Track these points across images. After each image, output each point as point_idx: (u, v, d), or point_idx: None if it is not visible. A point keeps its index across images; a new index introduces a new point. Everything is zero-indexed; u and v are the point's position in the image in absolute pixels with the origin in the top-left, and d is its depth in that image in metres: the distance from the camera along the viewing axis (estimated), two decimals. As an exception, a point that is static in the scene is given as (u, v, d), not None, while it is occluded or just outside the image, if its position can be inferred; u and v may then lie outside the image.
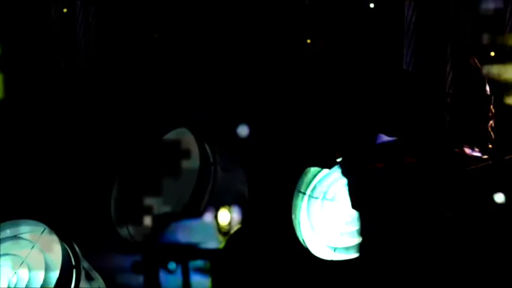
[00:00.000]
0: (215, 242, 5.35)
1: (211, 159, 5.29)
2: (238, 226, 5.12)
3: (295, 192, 5.43)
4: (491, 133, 4.50)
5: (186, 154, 5.45)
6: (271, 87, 8.29)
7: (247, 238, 4.45)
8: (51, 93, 8.72)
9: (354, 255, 5.10)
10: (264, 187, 5.41)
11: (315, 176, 5.47)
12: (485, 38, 6.42)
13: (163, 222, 5.37)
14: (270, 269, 4.52)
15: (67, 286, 4.18)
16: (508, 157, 4.30)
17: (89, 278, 4.31)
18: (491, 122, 4.55)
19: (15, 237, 4.30)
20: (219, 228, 5.39)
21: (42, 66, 8.87)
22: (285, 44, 8.31)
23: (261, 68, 8.36)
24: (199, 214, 5.40)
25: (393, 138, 4.45)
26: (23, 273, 4.16)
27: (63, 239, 4.26)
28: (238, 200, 5.24)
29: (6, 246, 4.31)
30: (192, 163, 5.30)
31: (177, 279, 5.15)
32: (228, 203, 5.39)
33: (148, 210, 5.65)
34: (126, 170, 5.74)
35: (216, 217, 5.39)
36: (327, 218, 5.35)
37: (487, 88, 4.54)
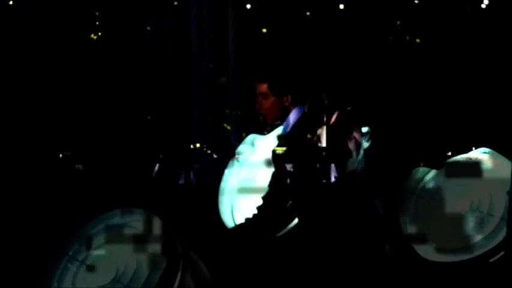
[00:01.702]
0: None
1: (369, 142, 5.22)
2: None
3: (404, 192, 5.40)
4: None
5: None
6: (384, 89, 8.35)
7: (353, 236, 4.43)
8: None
9: (460, 257, 5.06)
10: (374, 186, 5.35)
11: (423, 176, 5.43)
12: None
13: None
14: (375, 267, 4.51)
15: (173, 276, 4.15)
16: None
17: (194, 268, 4.29)
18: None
19: (124, 225, 4.29)
20: None
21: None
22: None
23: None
24: None
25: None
26: (131, 262, 4.15)
27: (170, 229, 4.25)
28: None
29: (114, 233, 4.30)
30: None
31: None
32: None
33: None
34: None
35: None
36: (435, 218, 5.30)
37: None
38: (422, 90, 8.60)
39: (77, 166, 8.71)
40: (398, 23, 9.10)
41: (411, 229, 5.31)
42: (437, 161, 5.48)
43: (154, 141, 9.20)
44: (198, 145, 9.91)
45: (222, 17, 8.68)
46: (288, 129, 4.56)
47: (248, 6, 9.28)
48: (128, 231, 4.32)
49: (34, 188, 7.69)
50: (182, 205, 6.54)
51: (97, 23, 9.28)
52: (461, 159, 5.45)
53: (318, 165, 4.43)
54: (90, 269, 4.19)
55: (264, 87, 4.58)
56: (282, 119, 4.63)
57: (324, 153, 4.41)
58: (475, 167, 5.31)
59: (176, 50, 9.15)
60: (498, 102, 8.42)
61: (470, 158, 5.42)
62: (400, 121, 8.23)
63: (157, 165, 9.12)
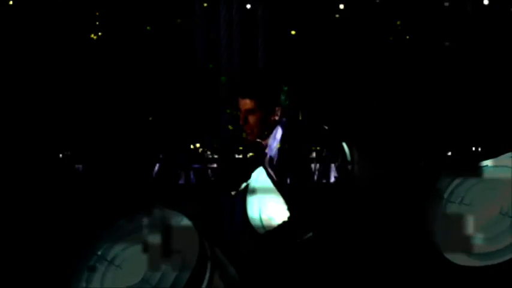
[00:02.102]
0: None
1: (349, 158, 5.20)
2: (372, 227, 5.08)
3: (433, 196, 5.38)
4: None
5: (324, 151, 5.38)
6: (385, 89, 8.35)
7: (382, 239, 4.43)
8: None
9: (489, 261, 5.04)
10: (401, 190, 5.35)
11: (452, 179, 5.41)
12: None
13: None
14: (404, 271, 4.51)
15: (202, 276, 4.15)
16: None
17: (222, 268, 4.29)
18: None
19: (154, 225, 4.29)
20: None
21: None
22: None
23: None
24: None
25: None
26: (159, 262, 4.15)
27: (198, 229, 4.24)
28: (372, 200, 5.17)
29: (145, 234, 4.30)
30: (330, 161, 5.22)
31: None
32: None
33: None
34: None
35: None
36: (464, 222, 5.28)
37: None
38: (422, 90, 8.60)
39: (76, 166, 8.71)
40: (398, 23, 9.09)
41: (440, 233, 5.30)
42: (467, 165, 5.45)
43: (155, 141, 9.20)
44: (198, 145, 9.92)
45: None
46: (275, 145, 4.53)
47: (248, 6, 9.28)
48: (157, 231, 4.32)
49: (61, 187, 7.71)
50: (206, 204, 6.54)
51: (97, 23, 9.28)
52: (491, 163, 5.44)
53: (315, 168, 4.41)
54: (119, 269, 4.20)
55: (250, 103, 4.53)
56: (269, 133, 4.60)
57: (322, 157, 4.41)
58: (504, 171, 5.31)
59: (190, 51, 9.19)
60: (498, 103, 8.42)
61: (500, 162, 5.40)
62: (400, 121, 8.22)
63: (157, 165, 9.12)
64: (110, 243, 4.28)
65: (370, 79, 8.80)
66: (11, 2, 8.76)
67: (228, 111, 9.45)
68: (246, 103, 4.56)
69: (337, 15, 8.70)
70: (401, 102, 8.53)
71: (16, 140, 8.33)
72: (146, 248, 4.23)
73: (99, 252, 4.24)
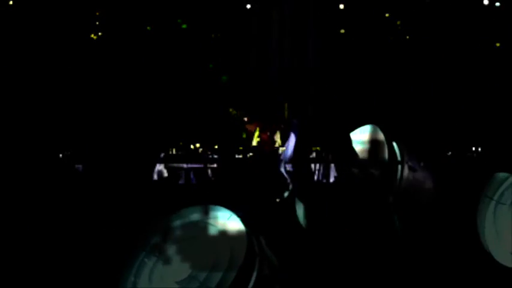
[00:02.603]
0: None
1: (399, 158, 5.17)
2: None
3: (482, 198, 5.34)
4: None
5: (375, 151, 5.35)
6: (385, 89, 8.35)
7: (428, 239, 4.43)
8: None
9: None
10: (450, 190, 5.31)
11: (503, 181, 5.38)
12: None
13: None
14: (451, 271, 4.50)
15: (249, 274, 4.15)
16: None
17: (270, 265, 4.29)
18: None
19: (204, 221, 4.30)
20: None
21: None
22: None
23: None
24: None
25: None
26: (210, 257, 4.15)
27: (247, 226, 4.25)
28: (423, 201, 5.15)
29: (195, 229, 4.31)
30: (379, 161, 5.18)
31: None
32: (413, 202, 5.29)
33: None
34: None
35: None
36: None
37: None
38: (422, 90, 8.59)
39: (76, 166, 8.71)
40: (398, 23, 9.10)
41: (489, 234, 5.26)
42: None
43: (154, 141, 9.20)
44: (198, 145, 9.92)
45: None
46: (290, 149, 4.57)
47: (248, 6, 9.28)
48: (206, 228, 4.33)
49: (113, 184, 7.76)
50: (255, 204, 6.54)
51: (97, 23, 9.29)
52: None
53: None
54: (167, 264, 4.21)
55: (257, 126, 4.63)
56: (284, 140, 4.66)
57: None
58: None
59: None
60: (498, 102, 8.41)
61: None
62: (400, 121, 8.22)
63: (157, 165, 9.12)
64: (158, 240, 4.31)
65: (370, 79, 8.81)
66: (11, 2, 8.76)
67: (230, 110, 9.46)
68: (253, 126, 4.69)
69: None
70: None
71: (16, 140, 8.34)
72: (194, 244, 4.25)
73: (148, 248, 4.27)
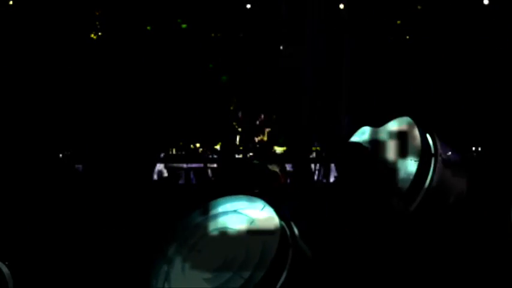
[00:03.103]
0: None
1: (433, 151, 5.10)
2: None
3: None
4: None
5: (408, 144, 5.28)
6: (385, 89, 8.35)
7: (462, 237, 4.39)
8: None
9: None
10: (484, 186, 5.23)
11: None
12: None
13: None
14: (486, 269, 4.46)
15: (283, 266, 4.13)
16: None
17: (303, 257, 4.27)
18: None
19: (235, 211, 4.28)
20: None
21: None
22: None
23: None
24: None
25: None
26: (242, 247, 4.15)
27: (281, 217, 4.23)
28: (456, 195, 5.06)
29: (226, 220, 4.30)
30: (412, 154, 5.12)
31: None
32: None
33: None
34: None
35: None
36: None
37: None
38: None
39: (77, 166, 8.72)
40: (398, 22, 9.10)
41: None
42: None
43: (155, 141, 9.20)
44: (198, 145, 9.92)
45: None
46: None
47: (248, 6, 9.28)
48: (238, 218, 4.32)
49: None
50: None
51: (97, 23, 9.29)
52: None
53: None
54: (199, 254, 4.21)
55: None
56: None
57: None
58: None
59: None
60: (498, 102, 8.41)
61: None
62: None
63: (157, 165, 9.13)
64: (190, 230, 4.31)
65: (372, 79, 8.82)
66: (11, 2, 8.76)
67: (232, 107, 9.49)
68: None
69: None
70: (401, 101, 8.53)
71: (16, 140, 8.34)
72: (226, 234, 4.25)
73: (181, 239, 4.27)
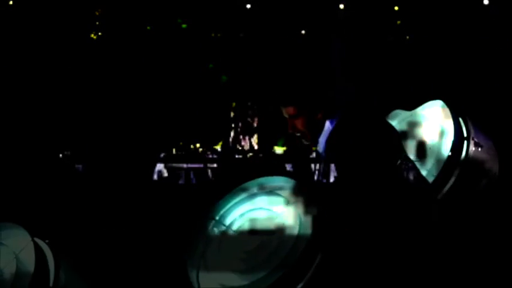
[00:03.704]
0: None
1: (465, 134, 5.06)
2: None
3: None
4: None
5: (441, 127, 5.25)
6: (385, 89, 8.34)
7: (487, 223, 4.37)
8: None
9: None
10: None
11: None
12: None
13: None
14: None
15: (316, 250, 4.11)
16: None
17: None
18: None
19: (271, 192, 4.27)
20: None
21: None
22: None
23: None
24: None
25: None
26: (279, 227, 4.13)
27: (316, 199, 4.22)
28: (487, 179, 5.01)
29: (262, 200, 4.28)
30: (444, 137, 5.08)
31: None
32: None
33: None
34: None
35: None
36: None
37: None
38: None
39: (77, 166, 8.72)
40: (398, 22, 9.10)
41: None
42: None
43: (154, 141, 9.20)
44: (198, 145, 9.92)
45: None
46: (323, 142, 4.44)
47: (248, 6, 9.29)
48: (276, 200, 4.30)
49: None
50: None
51: (97, 23, 9.29)
52: None
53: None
54: (236, 234, 4.20)
55: (292, 110, 4.46)
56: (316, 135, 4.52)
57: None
58: None
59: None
60: (498, 102, 8.40)
61: None
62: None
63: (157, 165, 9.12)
64: (227, 210, 4.30)
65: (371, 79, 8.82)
66: (11, 2, 8.77)
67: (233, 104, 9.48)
68: (288, 110, 4.49)
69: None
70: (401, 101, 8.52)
71: (17, 140, 8.34)
72: (264, 214, 4.23)
73: (217, 218, 4.25)
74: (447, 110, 4.96)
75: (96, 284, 4.75)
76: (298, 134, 4.44)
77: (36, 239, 4.41)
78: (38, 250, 4.38)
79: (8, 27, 8.70)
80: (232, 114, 10.07)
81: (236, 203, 4.29)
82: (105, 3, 9.19)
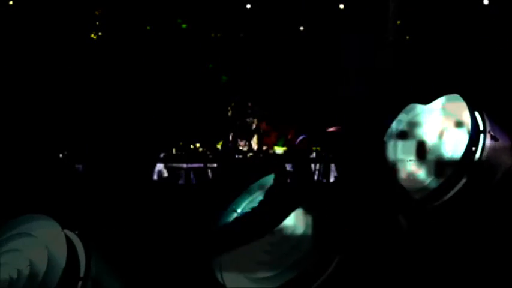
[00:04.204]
0: None
1: (482, 127, 5.05)
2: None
3: None
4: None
5: (457, 120, 5.25)
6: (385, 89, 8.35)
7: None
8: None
9: None
10: None
11: None
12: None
13: None
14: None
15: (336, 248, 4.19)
16: None
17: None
18: None
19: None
20: None
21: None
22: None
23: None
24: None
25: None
26: (299, 223, 4.20)
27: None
28: (503, 171, 5.01)
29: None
30: (461, 130, 5.08)
31: None
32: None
33: None
34: None
35: None
36: None
37: None
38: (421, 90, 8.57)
39: (77, 166, 8.72)
40: (398, 22, 9.10)
41: None
42: None
43: (154, 141, 9.20)
44: (198, 145, 9.92)
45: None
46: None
47: (248, 6, 9.29)
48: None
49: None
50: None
51: (97, 23, 9.29)
52: None
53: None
54: None
55: (264, 125, 4.65)
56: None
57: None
58: None
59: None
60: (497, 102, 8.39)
61: None
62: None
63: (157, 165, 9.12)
64: (247, 202, 4.37)
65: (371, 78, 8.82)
66: (11, 2, 8.77)
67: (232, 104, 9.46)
68: (262, 125, 4.68)
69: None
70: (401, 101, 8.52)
71: (17, 140, 8.34)
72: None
73: (238, 210, 4.32)
74: (464, 104, 4.97)
75: (125, 274, 4.79)
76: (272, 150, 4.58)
77: (66, 231, 4.45)
78: (69, 241, 4.42)
79: (8, 27, 8.70)
80: (231, 114, 10.08)
81: (254, 199, 4.36)
82: (105, 3, 9.19)
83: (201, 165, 9.49)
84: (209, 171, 9.43)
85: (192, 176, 9.30)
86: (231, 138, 10.13)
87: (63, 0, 8.86)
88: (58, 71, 8.93)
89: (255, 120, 10.30)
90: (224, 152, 9.79)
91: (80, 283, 4.29)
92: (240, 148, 10.21)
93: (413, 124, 5.18)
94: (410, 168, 5.11)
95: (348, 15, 9.09)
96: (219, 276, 4.25)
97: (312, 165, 8.33)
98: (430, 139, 5.12)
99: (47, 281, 4.23)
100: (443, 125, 5.10)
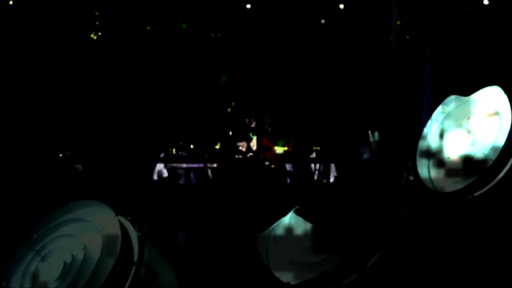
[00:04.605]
0: None
1: None
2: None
3: None
4: None
5: (498, 112, 5.24)
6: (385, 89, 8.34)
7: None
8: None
9: None
10: None
11: None
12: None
13: None
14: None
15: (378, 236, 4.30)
16: None
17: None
18: None
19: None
20: None
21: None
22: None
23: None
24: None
25: None
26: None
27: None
28: None
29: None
30: (501, 122, 5.07)
31: None
32: None
33: None
34: None
35: None
36: None
37: None
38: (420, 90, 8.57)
39: (76, 166, 8.72)
40: (398, 23, 9.09)
41: None
42: None
43: (154, 141, 9.20)
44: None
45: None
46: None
47: (248, 6, 9.29)
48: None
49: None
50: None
51: (97, 23, 9.29)
52: None
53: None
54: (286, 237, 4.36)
55: (264, 141, 4.74)
56: None
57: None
58: None
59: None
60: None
61: None
62: (399, 120, 8.20)
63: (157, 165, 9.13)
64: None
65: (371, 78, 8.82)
66: (11, 2, 8.76)
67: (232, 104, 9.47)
68: (263, 141, 4.77)
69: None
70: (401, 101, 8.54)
71: (17, 140, 8.34)
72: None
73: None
74: (504, 96, 4.97)
75: (176, 260, 4.83)
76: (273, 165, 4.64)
77: (120, 216, 4.48)
78: (122, 227, 4.45)
79: (8, 27, 8.70)
80: (231, 114, 10.09)
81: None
82: (105, 3, 9.18)
83: (201, 165, 9.50)
84: (209, 171, 9.44)
85: (192, 176, 9.31)
86: (231, 138, 10.14)
87: (63, 0, 8.86)
88: (58, 71, 8.93)
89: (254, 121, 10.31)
90: (224, 152, 9.80)
91: (133, 268, 4.32)
92: (240, 148, 10.22)
93: (452, 116, 5.20)
94: (451, 159, 5.14)
95: (351, 15, 9.10)
96: (264, 259, 4.30)
97: (312, 165, 8.35)
98: (469, 130, 5.11)
99: (101, 266, 4.26)
100: (483, 117, 5.10)
